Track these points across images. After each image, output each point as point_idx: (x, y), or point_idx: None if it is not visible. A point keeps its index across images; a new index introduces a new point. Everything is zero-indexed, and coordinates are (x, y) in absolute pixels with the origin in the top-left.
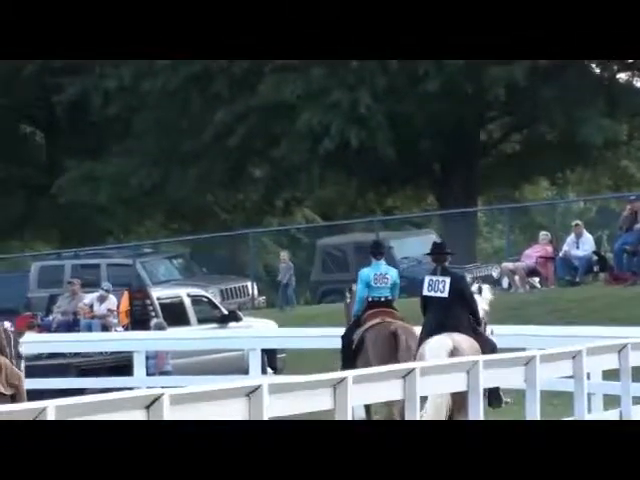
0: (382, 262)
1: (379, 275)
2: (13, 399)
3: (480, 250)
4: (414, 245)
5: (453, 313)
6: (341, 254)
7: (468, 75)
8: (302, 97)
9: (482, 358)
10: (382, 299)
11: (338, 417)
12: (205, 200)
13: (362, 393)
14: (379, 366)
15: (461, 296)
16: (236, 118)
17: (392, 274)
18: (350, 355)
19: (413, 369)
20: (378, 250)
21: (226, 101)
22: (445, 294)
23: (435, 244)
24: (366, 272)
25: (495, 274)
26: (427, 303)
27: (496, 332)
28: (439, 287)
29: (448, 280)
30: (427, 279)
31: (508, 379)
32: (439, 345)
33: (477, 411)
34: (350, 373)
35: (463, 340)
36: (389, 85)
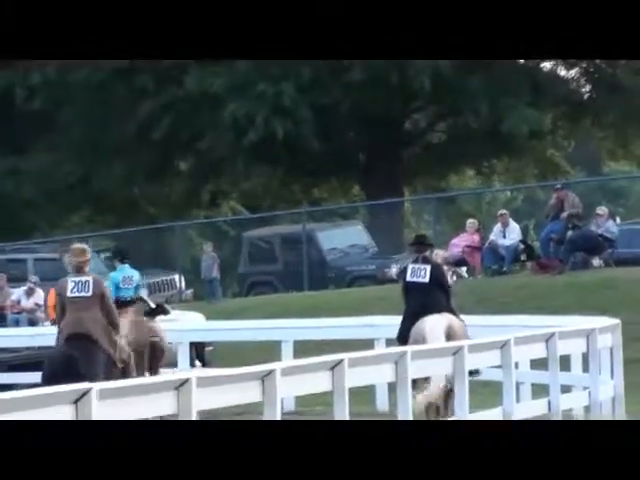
0: (127, 266)
1: (126, 278)
2: (124, 372)
3: (407, 240)
4: (341, 236)
5: (433, 297)
6: (268, 246)
7: (393, 65)
8: (227, 89)
9: (410, 349)
10: (128, 299)
11: (267, 409)
12: (131, 193)
13: (291, 385)
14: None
15: (439, 282)
16: (161, 110)
17: (136, 277)
18: None
19: (341, 361)
20: (124, 256)
21: (151, 93)
22: (426, 280)
23: (417, 236)
24: (114, 275)
25: None
26: (409, 288)
27: None
28: (421, 274)
29: (429, 268)
30: (410, 267)
31: (436, 369)
32: (437, 324)
33: (406, 401)
34: (278, 365)
35: (454, 320)
36: (314, 76)
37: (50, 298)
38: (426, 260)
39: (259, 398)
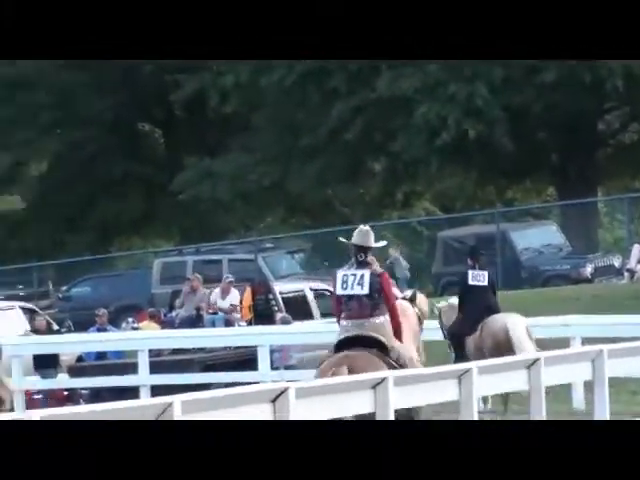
0: None
1: None
2: None
3: (601, 240)
4: (535, 236)
5: (491, 298)
6: (462, 246)
7: (585, 65)
8: (419, 91)
9: (607, 348)
10: None
11: (463, 408)
12: (324, 194)
13: (487, 384)
14: None
15: (493, 286)
16: (353, 112)
17: None
18: None
19: (538, 359)
20: None
21: (343, 96)
22: (485, 283)
23: (473, 247)
24: None
25: (617, 264)
26: (471, 291)
27: (617, 321)
28: (480, 278)
29: (486, 273)
30: (470, 272)
31: (632, 368)
32: (519, 322)
33: (603, 399)
34: (475, 364)
35: (526, 320)
36: (505, 77)
37: (246, 298)
38: (482, 267)
39: (456, 397)
